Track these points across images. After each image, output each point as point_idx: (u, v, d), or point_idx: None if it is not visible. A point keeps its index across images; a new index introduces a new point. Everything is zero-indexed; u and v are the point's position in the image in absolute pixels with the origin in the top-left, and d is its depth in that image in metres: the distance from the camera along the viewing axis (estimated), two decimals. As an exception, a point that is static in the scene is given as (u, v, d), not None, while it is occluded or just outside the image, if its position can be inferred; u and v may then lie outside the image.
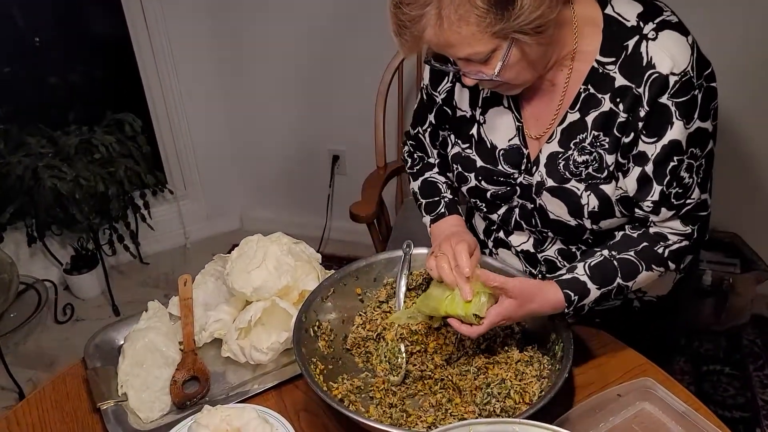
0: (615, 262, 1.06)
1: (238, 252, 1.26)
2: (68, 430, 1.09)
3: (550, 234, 1.16)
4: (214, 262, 1.34)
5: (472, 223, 1.37)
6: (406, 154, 1.37)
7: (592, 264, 1.06)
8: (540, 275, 1.24)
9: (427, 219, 1.27)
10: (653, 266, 1.06)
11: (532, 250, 1.21)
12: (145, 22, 2.57)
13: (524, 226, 1.18)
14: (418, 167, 1.32)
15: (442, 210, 1.24)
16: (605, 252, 1.07)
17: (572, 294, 1.03)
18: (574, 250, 1.19)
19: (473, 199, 1.23)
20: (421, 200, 1.28)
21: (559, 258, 1.21)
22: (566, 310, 1.03)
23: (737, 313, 2.26)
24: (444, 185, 1.28)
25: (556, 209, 1.11)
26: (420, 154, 1.33)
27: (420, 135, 1.30)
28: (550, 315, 1.05)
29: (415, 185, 1.32)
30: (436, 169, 1.30)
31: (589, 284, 1.04)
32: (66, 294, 2.69)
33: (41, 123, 2.44)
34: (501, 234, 1.24)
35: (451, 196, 1.26)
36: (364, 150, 2.35)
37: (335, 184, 2.76)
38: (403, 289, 1.20)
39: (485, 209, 1.22)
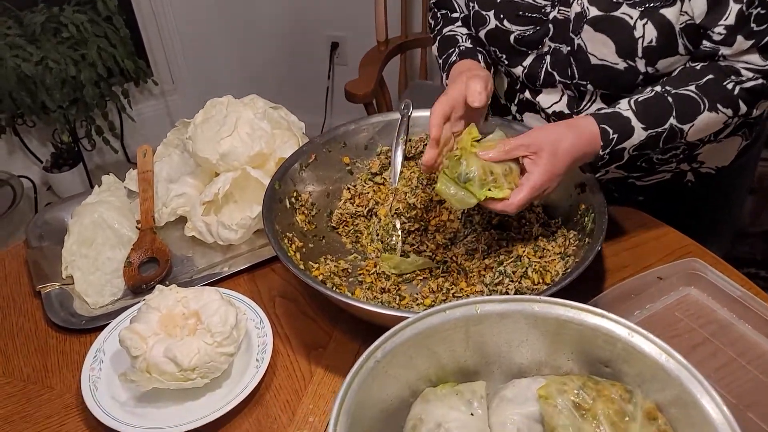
0: (669, 98, 0.83)
1: (203, 115, 1.06)
2: (3, 316, 0.93)
3: (589, 87, 0.93)
4: (178, 129, 1.14)
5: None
6: (430, 17, 1.14)
7: (639, 99, 0.84)
8: None
9: (444, 77, 1.02)
10: (719, 106, 0.83)
11: (567, 111, 0.98)
12: None
13: (557, 78, 0.95)
14: (438, 27, 1.09)
15: (454, 58, 0.99)
16: (657, 88, 0.85)
17: (611, 130, 0.81)
18: None
19: (492, 48, 0.99)
20: (440, 60, 1.05)
21: None
22: (601, 153, 0.82)
23: (777, 214, 2.06)
24: (464, 36, 1.03)
25: (601, 49, 0.88)
26: (444, 11, 1.09)
27: None
28: (581, 166, 0.85)
29: (434, 47, 1.09)
30: (458, 23, 1.06)
31: (634, 121, 0.82)
32: (49, 195, 2.52)
33: (6, 1, 2.19)
34: (527, 94, 1.02)
35: (470, 45, 1.01)
36: (366, 35, 2.09)
37: (335, 75, 2.52)
38: (399, 158, 1.00)
39: (506, 61, 0.99)
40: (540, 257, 0.85)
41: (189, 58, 2.65)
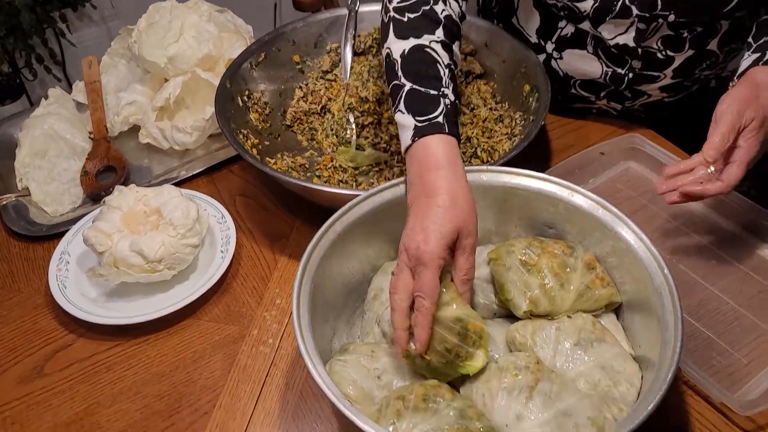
0: None
1: (146, 20, 1.04)
2: (-38, 230, 0.93)
3: (670, 17, 0.86)
4: (121, 38, 1.11)
5: (512, 21, 1.02)
6: None
7: None
8: (630, 74, 0.94)
9: (409, 122, 0.71)
10: None
11: (632, 45, 0.90)
12: None
13: (635, 12, 0.87)
14: (413, 15, 0.77)
15: (440, 119, 0.70)
16: None
17: None
18: (686, 34, 0.90)
19: None
20: (405, 83, 0.73)
21: (661, 48, 0.91)
22: None
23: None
24: (446, 69, 0.74)
25: None
26: None
27: None
28: None
29: (397, 49, 0.76)
30: (440, 33, 0.76)
31: None
32: (-6, 130, 2.44)
33: None
34: (584, 25, 0.91)
35: (453, 98, 0.73)
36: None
37: (282, -10, 2.45)
38: (349, 55, 1.00)
39: None
40: (488, 138, 0.88)
41: (127, -22, 2.53)
